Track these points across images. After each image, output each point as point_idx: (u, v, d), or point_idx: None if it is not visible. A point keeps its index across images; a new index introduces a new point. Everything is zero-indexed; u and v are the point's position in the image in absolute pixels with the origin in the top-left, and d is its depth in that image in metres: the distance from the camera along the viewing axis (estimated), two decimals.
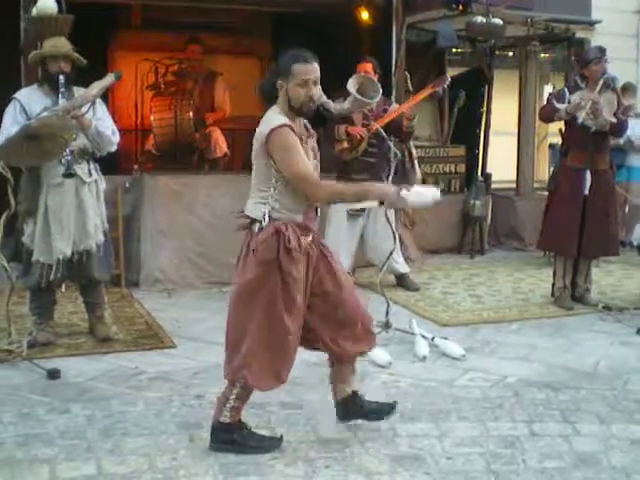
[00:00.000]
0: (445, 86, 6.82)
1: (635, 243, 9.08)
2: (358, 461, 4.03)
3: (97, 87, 5.53)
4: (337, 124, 7.27)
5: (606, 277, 8.47)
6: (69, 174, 5.42)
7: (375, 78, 7.36)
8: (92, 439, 4.19)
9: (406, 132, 7.29)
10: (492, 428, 4.46)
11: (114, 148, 5.85)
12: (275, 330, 4.01)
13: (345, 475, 3.88)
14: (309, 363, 5.43)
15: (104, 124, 5.67)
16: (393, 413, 4.44)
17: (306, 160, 3.97)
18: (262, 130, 3.96)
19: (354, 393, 4.41)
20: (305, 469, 3.93)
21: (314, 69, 4.09)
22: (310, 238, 4.10)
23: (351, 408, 4.40)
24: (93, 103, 5.58)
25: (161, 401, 4.72)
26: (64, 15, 6.03)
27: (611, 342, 6.19)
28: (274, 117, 3.98)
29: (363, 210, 7.37)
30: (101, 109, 5.74)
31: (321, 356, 5.39)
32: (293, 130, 3.96)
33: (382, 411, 4.44)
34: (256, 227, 4.07)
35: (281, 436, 4.21)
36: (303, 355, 5.64)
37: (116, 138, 5.81)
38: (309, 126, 4.23)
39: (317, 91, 4.08)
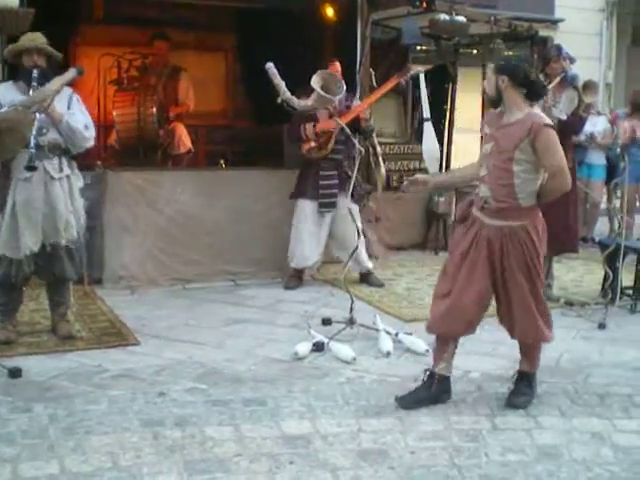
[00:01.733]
0: (409, 76, 6.87)
1: (596, 239, 9.17)
2: (322, 457, 4.04)
3: (58, 82, 5.48)
4: (300, 124, 7.28)
5: (568, 273, 8.55)
6: (30, 167, 5.32)
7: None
8: (55, 438, 4.16)
9: (366, 131, 7.38)
10: (455, 422, 4.49)
11: (89, 143, 5.76)
12: None
13: (309, 471, 3.89)
14: (272, 359, 5.45)
15: (75, 118, 5.60)
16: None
17: None
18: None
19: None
20: (269, 465, 3.93)
21: None
22: None
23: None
24: (70, 98, 5.55)
25: (124, 399, 4.69)
26: (25, 9, 5.97)
27: (573, 337, 6.26)
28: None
29: (333, 206, 7.36)
30: (77, 105, 5.68)
31: (284, 352, 5.41)
32: None
33: None
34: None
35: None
36: (265, 351, 5.68)
37: (90, 133, 5.72)
38: None
39: None
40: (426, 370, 4.83)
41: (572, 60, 7.28)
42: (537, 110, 4.76)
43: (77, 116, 5.63)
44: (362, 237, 7.56)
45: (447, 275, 4.77)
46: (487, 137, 4.77)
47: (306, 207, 7.45)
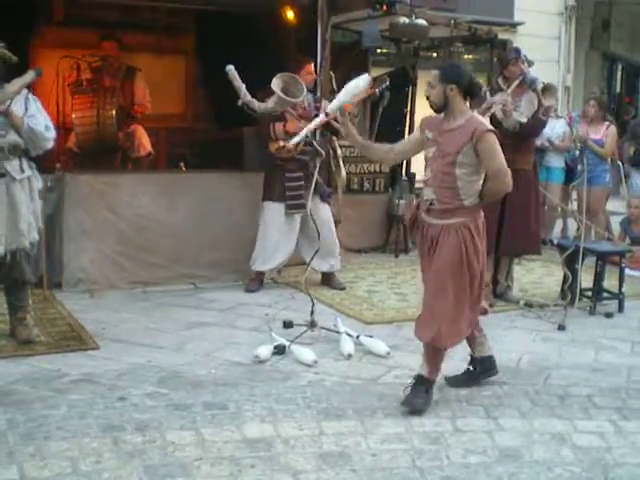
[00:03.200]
0: (384, 87, 6.90)
1: (555, 241, 9.26)
2: (284, 460, 4.03)
3: (17, 84, 5.43)
4: (269, 123, 7.24)
5: (527, 274, 8.62)
6: None
7: (311, 78, 7.43)
8: (13, 443, 4.11)
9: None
10: (417, 425, 4.51)
11: (50, 144, 5.71)
12: None
13: (271, 474, 3.88)
14: (232, 363, 5.43)
15: (36, 120, 5.54)
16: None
17: None
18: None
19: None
20: (231, 469, 3.92)
21: None
22: None
23: None
24: (27, 99, 5.49)
25: (84, 404, 4.65)
26: None
27: (533, 338, 6.31)
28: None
29: (302, 207, 7.28)
30: (34, 105, 5.61)
31: (245, 355, 5.40)
32: None
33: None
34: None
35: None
36: (226, 354, 5.66)
37: (50, 134, 5.67)
38: None
39: None
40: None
41: (530, 63, 7.37)
42: (478, 114, 4.93)
43: (37, 118, 5.57)
44: (336, 237, 7.63)
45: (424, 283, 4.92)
46: (429, 141, 4.83)
47: (273, 209, 7.43)
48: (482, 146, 4.64)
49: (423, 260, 4.90)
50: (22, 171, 5.60)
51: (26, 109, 5.49)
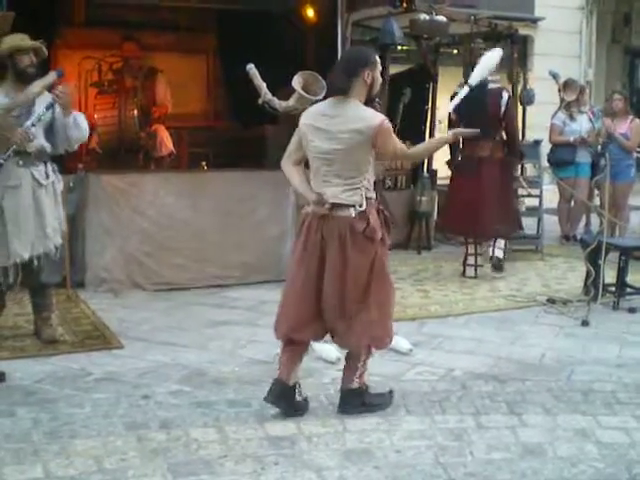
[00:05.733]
0: None
1: (578, 237, 9.22)
2: (307, 457, 4.04)
3: (39, 85, 5.47)
4: None
5: (550, 270, 8.59)
6: None
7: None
8: (38, 442, 4.14)
9: None
10: (440, 421, 4.50)
11: (84, 141, 5.89)
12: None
13: (294, 471, 3.89)
14: (255, 361, 5.45)
15: (81, 116, 5.67)
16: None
17: None
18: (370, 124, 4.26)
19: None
20: (254, 466, 3.92)
21: None
22: None
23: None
24: (54, 104, 5.54)
25: (108, 402, 4.68)
26: (5, 12, 5.95)
27: (556, 334, 6.28)
28: (368, 110, 4.37)
29: None
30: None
31: (268, 353, 5.41)
32: None
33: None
34: (352, 211, 4.31)
35: (390, 390, 4.75)
36: (248, 352, 5.68)
37: (87, 132, 5.84)
38: None
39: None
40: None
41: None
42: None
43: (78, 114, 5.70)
44: None
45: None
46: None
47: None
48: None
49: None
50: (47, 176, 5.65)
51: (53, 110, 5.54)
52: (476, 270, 8.17)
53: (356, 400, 4.57)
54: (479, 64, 5.83)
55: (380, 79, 4.48)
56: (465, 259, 8.26)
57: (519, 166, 8.99)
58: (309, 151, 4.42)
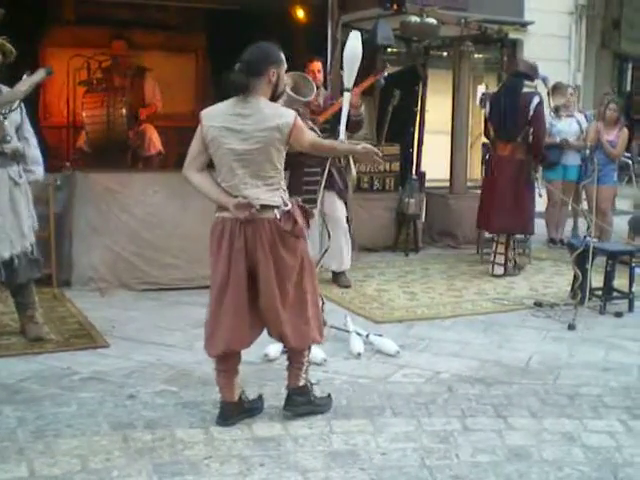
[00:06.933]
0: (385, 75, 6.99)
1: (565, 240, 9.25)
2: (293, 458, 4.03)
3: (27, 83, 5.45)
4: None
5: (537, 274, 8.60)
6: None
7: (320, 76, 7.46)
8: (24, 441, 4.13)
9: (355, 121, 7.21)
10: (426, 423, 4.50)
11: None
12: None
13: (280, 472, 3.88)
14: (242, 361, 5.42)
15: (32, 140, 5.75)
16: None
17: None
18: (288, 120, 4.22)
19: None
20: (240, 467, 3.92)
21: None
22: None
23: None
24: (22, 109, 5.52)
25: (94, 402, 4.66)
26: None
27: (543, 337, 6.29)
28: (279, 107, 4.37)
29: (312, 202, 7.28)
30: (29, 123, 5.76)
31: (255, 354, 5.39)
32: None
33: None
34: (277, 212, 4.27)
35: (329, 394, 4.70)
36: None
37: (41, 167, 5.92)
38: None
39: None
40: None
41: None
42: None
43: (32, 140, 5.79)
44: (348, 235, 7.63)
45: None
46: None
47: None
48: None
49: None
50: (20, 176, 5.66)
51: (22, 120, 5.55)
52: (506, 266, 8.36)
53: (304, 397, 4.55)
54: (344, 61, 5.95)
55: (285, 78, 4.49)
56: (494, 258, 8.41)
57: (539, 168, 9.03)
58: (221, 154, 4.30)
